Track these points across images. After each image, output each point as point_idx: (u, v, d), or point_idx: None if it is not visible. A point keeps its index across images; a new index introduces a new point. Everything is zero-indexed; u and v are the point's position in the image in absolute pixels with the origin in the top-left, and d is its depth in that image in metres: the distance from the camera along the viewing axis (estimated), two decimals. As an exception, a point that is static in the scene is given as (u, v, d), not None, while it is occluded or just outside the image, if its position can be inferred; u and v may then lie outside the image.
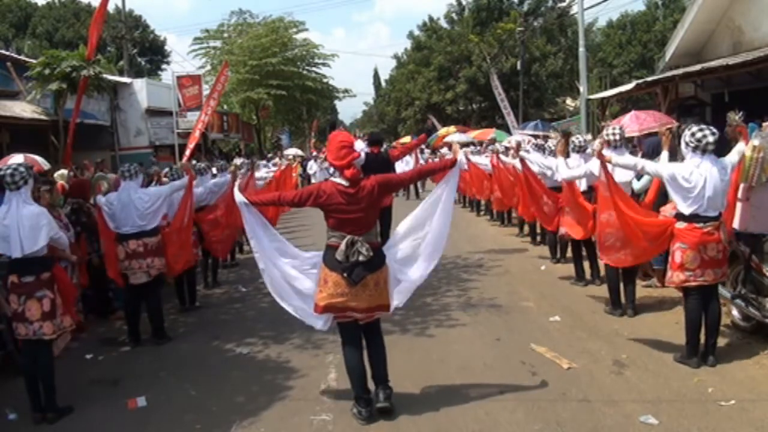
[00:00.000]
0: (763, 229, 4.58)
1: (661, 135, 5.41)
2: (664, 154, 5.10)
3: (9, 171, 4.07)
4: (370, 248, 3.74)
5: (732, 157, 4.51)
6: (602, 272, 6.70)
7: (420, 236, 4.06)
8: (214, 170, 8.88)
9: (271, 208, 9.54)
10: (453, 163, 4.13)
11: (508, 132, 20.87)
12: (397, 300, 4.08)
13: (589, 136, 10.46)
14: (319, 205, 3.84)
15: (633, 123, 8.88)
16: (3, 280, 4.34)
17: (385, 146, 8.51)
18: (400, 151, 7.87)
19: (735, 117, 4.68)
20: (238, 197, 4.07)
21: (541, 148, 9.14)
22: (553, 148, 8.48)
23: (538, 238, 9.69)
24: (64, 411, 4.17)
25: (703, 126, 4.41)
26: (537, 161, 7.81)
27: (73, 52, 11.69)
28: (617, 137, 5.67)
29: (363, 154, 3.87)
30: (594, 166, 5.64)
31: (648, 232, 4.61)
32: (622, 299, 5.77)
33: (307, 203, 3.89)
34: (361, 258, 3.71)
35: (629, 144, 7.72)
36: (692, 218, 4.31)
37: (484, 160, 12.03)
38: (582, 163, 6.71)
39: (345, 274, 3.75)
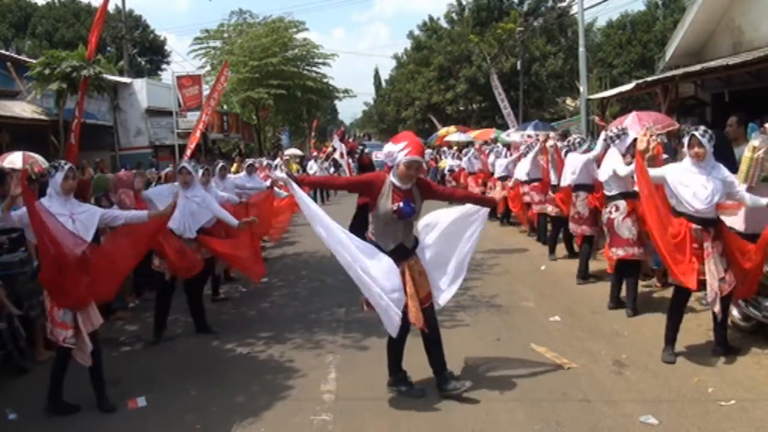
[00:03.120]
0: (761, 230, 4.57)
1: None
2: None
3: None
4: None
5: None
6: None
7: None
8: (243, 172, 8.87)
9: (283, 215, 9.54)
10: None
11: (509, 132, 20.86)
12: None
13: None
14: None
15: (635, 125, 8.87)
16: (9, 279, 4.34)
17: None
18: None
19: None
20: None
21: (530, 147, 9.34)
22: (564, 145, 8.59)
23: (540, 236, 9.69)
24: (71, 408, 4.15)
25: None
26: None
27: (73, 52, 11.70)
28: (613, 134, 5.79)
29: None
30: (616, 164, 5.69)
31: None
32: (625, 299, 5.78)
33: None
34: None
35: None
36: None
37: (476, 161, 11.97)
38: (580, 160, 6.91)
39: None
